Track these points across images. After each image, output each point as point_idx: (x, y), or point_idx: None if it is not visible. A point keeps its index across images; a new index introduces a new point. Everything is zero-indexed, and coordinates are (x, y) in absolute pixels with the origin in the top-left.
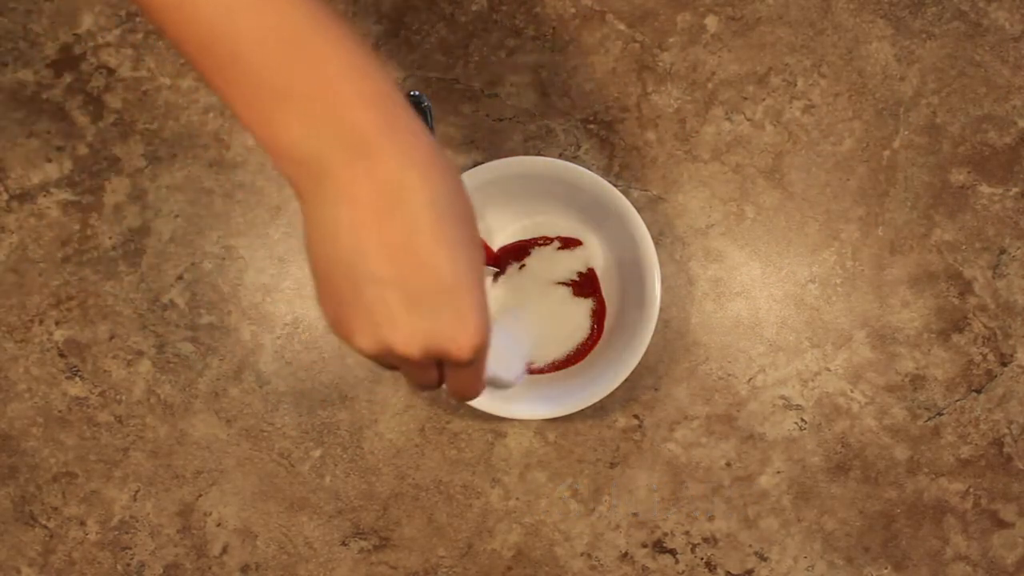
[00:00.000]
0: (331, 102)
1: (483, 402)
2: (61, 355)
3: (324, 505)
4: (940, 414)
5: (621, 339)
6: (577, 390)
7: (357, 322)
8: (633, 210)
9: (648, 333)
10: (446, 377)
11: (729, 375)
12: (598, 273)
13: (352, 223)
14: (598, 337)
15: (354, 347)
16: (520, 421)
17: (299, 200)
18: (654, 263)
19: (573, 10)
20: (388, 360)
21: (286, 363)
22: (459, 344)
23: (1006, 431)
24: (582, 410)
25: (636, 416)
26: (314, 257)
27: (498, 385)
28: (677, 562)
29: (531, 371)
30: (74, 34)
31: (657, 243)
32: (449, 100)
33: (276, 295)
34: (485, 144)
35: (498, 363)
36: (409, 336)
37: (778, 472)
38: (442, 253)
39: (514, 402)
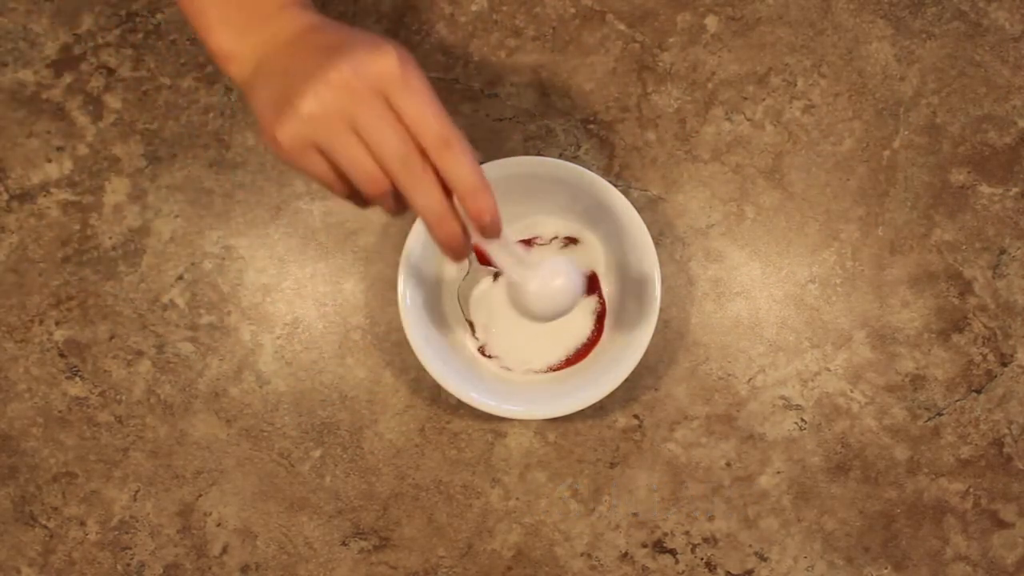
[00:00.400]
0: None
1: (483, 402)
2: (61, 355)
3: (324, 505)
4: (940, 414)
5: (621, 339)
6: (577, 390)
7: (277, 117)
8: (633, 210)
9: (648, 333)
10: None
11: (729, 375)
12: (599, 273)
13: (263, 63)
14: (598, 337)
15: (282, 145)
16: (520, 421)
17: (245, 94)
18: (654, 263)
19: (573, 10)
20: (318, 141)
21: (286, 363)
22: (387, 55)
23: (1006, 431)
24: (582, 410)
25: (636, 416)
26: (259, 119)
27: (549, 305)
28: (677, 562)
29: (532, 371)
30: (74, 34)
31: (657, 243)
32: (449, 100)
33: (276, 295)
34: (485, 144)
35: (553, 278)
36: (345, 71)
37: (778, 472)
38: (331, 38)
39: (514, 402)
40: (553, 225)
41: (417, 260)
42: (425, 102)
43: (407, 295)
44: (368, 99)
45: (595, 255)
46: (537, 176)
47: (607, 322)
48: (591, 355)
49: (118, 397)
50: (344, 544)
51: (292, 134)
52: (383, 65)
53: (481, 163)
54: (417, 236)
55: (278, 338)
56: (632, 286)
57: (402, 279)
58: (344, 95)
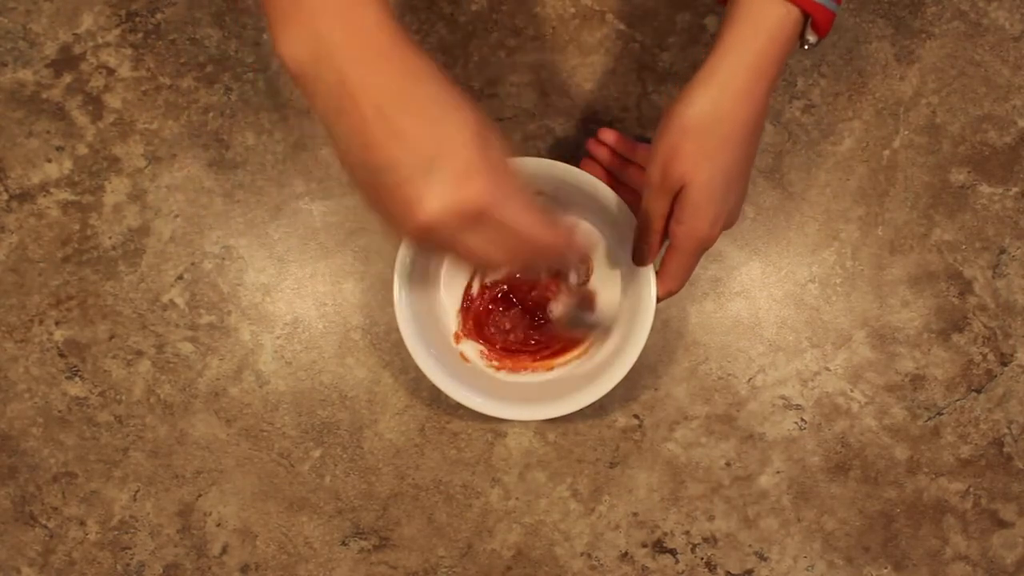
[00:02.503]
0: (311, 20)
1: (482, 404)
2: (61, 355)
3: (324, 505)
4: (940, 414)
5: (619, 339)
6: (575, 390)
7: (390, 212)
8: (628, 210)
9: (644, 333)
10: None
11: (729, 375)
12: (595, 269)
13: (350, 130)
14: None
15: (410, 237)
16: (520, 421)
17: (319, 117)
18: (649, 272)
19: (573, 10)
20: (436, 240)
21: (286, 363)
22: (470, 185)
23: (1006, 431)
24: (582, 410)
25: (636, 416)
26: (345, 168)
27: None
28: (677, 562)
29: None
30: (74, 34)
31: None
32: None
33: (276, 295)
34: None
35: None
36: (431, 203)
37: (778, 472)
38: (412, 125)
39: (511, 403)
40: None
41: (413, 261)
42: (519, 232)
43: (402, 297)
44: (462, 232)
45: (596, 247)
46: (535, 177)
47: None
48: (589, 354)
49: (118, 397)
50: (344, 544)
51: (409, 237)
52: (471, 203)
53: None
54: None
55: (278, 338)
56: (629, 286)
57: (397, 282)
58: (436, 234)
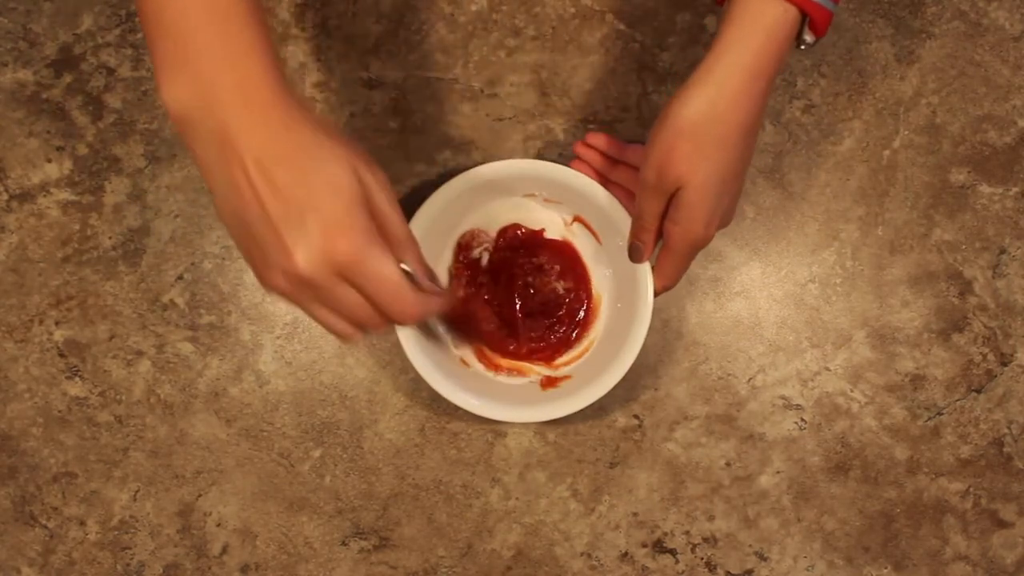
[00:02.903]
0: (197, 67)
1: (480, 406)
2: (61, 355)
3: (324, 505)
4: (940, 414)
5: (617, 339)
6: (572, 391)
7: (264, 263)
8: (620, 207)
9: (643, 332)
10: (367, 295)
11: (729, 375)
12: (591, 269)
13: (228, 179)
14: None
15: (274, 291)
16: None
17: (198, 166)
18: (646, 269)
19: (573, 10)
20: (308, 293)
21: (286, 363)
22: (338, 239)
23: (1006, 431)
24: (582, 410)
25: (636, 416)
26: (222, 217)
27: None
28: (677, 562)
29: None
30: (74, 34)
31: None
32: (449, 100)
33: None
34: (485, 144)
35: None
36: (302, 254)
37: (778, 472)
38: (286, 177)
39: (508, 405)
40: (550, 218)
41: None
42: (380, 290)
43: None
44: (330, 288)
45: (590, 248)
46: (530, 178)
47: (604, 322)
48: (588, 355)
49: (118, 397)
50: (344, 544)
51: (270, 288)
52: (338, 256)
53: (481, 163)
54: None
55: (278, 338)
56: (627, 285)
57: None
58: (303, 286)
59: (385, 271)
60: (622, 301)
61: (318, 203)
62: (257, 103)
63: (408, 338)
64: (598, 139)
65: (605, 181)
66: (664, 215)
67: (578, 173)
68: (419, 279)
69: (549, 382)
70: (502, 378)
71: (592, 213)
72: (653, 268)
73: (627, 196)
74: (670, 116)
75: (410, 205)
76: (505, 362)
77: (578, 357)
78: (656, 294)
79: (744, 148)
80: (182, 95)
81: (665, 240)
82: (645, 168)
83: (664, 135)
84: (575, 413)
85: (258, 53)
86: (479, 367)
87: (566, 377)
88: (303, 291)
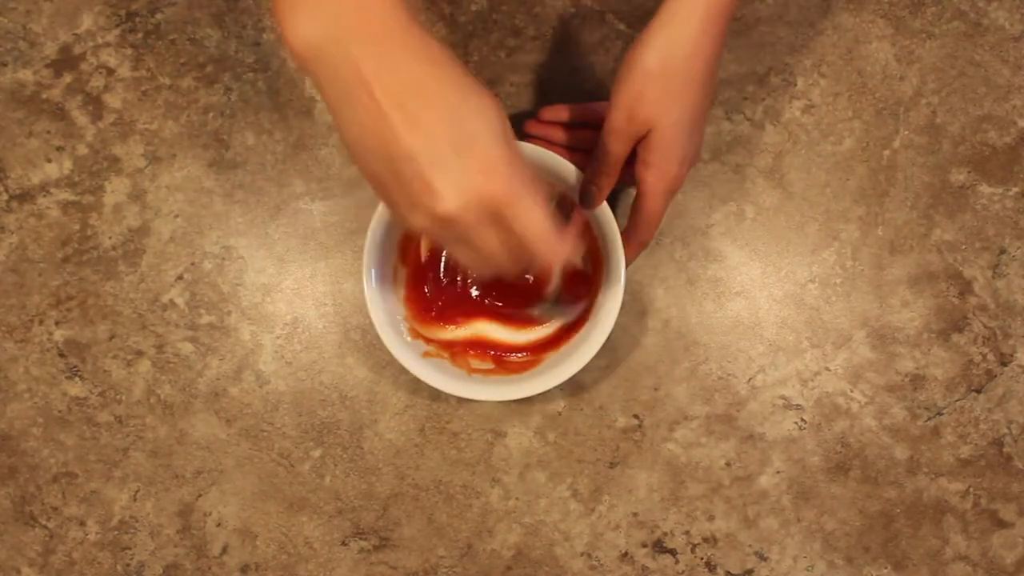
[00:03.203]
0: (322, 2)
1: (449, 384)
2: (61, 355)
3: (324, 505)
4: (940, 414)
5: (592, 313)
6: (548, 368)
7: (406, 203)
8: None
9: (616, 304)
10: (512, 238)
11: (729, 375)
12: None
13: (364, 119)
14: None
15: (417, 228)
16: (520, 420)
17: (327, 103)
18: (615, 235)
19: (573, 10)
20: (451, 233)
21: (286, 363)
22: (493, 179)
23: (1006, 431)
24: (582, 410)
25: (636, 416)
26: (355, 157)
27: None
28: (677, 562)
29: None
30: (74, 34)
31: (657, 243)
32: None
33: (276, 295)
34: None
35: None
36: (451, 194)
37: (778, 472)
38: (432, 114)
39: (488, 384)
40: None
41: (379, 243)
42: (531, 234)
43: (375, 290)
44: (477, 227)
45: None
46: None
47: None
48: (569, 338)
49: (118, 397)
50: (344, 544)
51: (412, 227)
52: (492, 197)
53: None
54: (378, 221)
55: (278, 338)
56: (603, 266)
57: (367, 267)
58: (458, 227)
59: (538, 214)
60: (592, 273)
61: (471, 140)
62: (388, 35)
63: (382, 322)
64: (557, 111)
65: (565, 151)
66: (625, 161)
67: (544, 149)
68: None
69: (525, 362)
70: (476, 363)
71: (560, 187)
72: (625, 231)
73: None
74: (636, 60)
75: None
76: (476, 363)
77: (551, 335)
78: (632, 257)
79: (709, 86)
80: (308, 31)
81: (640, 186)
82: (613, 112)
83: (632, 79)
84: (575, 413)
85: None
86: (453, 368)
87: (541, 356)
88: (448, 230)
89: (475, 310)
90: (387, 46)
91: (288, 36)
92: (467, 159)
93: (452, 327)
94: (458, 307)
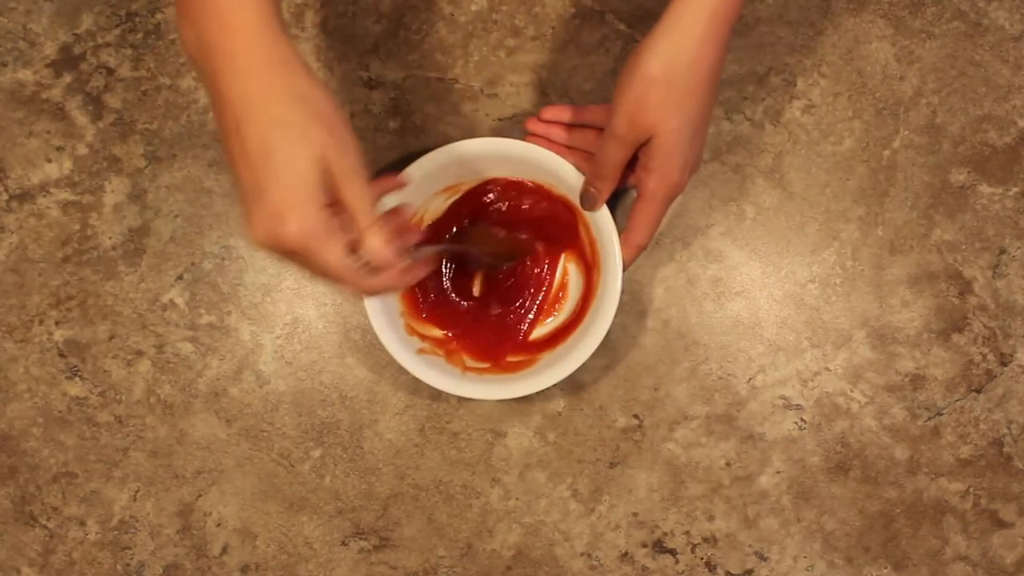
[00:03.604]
0: (199, 14)
1: (448, 383)
2: (61, 355)
3: (324, 505)
4: (940, 414)
5: (590, 312)
6: (545, 367)
7: (250, 219)
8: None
9: (614, 301)
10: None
11: (729, 375)
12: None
13: (221, 126)
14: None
15: (254, 244)
16: (520, 420)
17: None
18: (613, 236)
19: (573, 10)
20: (282, 252)
21: (286, 363)
22: (282, 226)
23: (1006, 431)
24: (582, 410)
25: (636, 416)
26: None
27: None
28: (677, 562)
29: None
30: (74, 34)
31: (657, 243)
32: (449, 100)
33: (276, 295)
34: None
35: None
36: (256, 230)
37: (778, 472)
38: (254, 149)
39: (485, 384)
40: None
41: None
42: (326, 274)
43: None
44: (287, 259)
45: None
46: (489, 157)
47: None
48: (565, 336)
49: (118, 397)
50: (344, 544)
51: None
52: (282, 241)
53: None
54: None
55: (278, 338)
56: (600, 263)
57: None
58: (271, 250)
59: (328, 259)
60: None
61: (274, 183)
62: (246, 55)
63: (381, 325)
64: (558, 111)
65: (565, 150)
66: (626, 165)
67: (542, 149)
68: (382, 260)
69: (521, 361)
70: (471, 362)
71: (559, 187)
72: (624, 232)
73: (589, 160)
74: (639, 65)
75: None
76: (471, 361)
77: (548, 335)
78: (630, 260)
79: (712, 93)
80: (187, 36)
81: (640, 190)
82: (615, 118)
83: (634, 85)
84: (575, 413)
85: (251, 1)
86: (448, 366)
87: (538, 355)
88: (270, 253)
89: (463, 313)
90: (240, 66)
91: (179, 38)
92: (264, 203)
93: (440, 330)
94: (443, 308)
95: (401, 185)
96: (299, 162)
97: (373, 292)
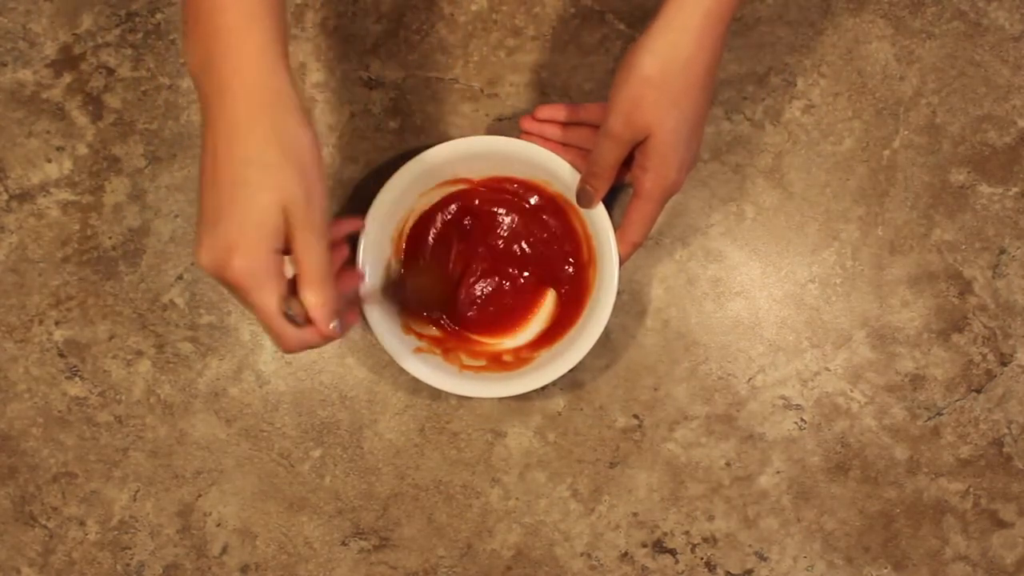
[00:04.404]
0: (203, 38)
1: (443, 381)
2: (61, 355)
3: (324, 505)
4: (940, 414)
5: (585, 311)
6: (542, 365)
7: (200, 242)
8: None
9: (610, 299)
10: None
11: (729, 375)
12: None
13: (203, 142)
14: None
15: (199, 266)
16: (520, 420)
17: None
18: (609, 233)
19: (573, 10)
20: (222, 282)
21: (286, 363)
22: (226, 264)
23: (1006, 431)
24: (582, 410)
25: (636, 416)
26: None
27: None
28: (677, 562)
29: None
30: (74, 34)
31: (657, 243)
32: (449, 100)
33: None
34: None
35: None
36: (204, 258)
37: (778, 472)
38: (222, 181)
39: (480, 381)
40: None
41: (375, 239)
42: (257, 318)
43: (367, 271)
44: (228, 288)
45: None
46: (483, 156)
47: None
48: (562, 334)
49: (118, 397)
50: (344, 544)
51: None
52: (225, 278)
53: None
54: (373, 218)
55: None
56: (596, 262)
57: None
58: (212, 277)
59: (260, 302)
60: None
61: (232, 216)
62: (242, 86)
63: (377, 321)
64: (553, 110)
65: (560, 148)
66: (621, 163)
67: (538, 147)
68: (313, 317)
69: (518, 359)
70: (468, 360)
71: (555, 185)
72: (619, 229)
73: (585, 157)
74: (635, 65)
75: None
76: (468, 360)
77: (546, 333)
78: (626, 256)
79: (709, 91)
80: (190, 54)
81: (637, 189)
82: (611, 117)
83: (630, 84)
84: (575, 413)
85: (256, 30)
86: (445, 364)
87: (534, 353)
88: (213, 278)
89: (456, 315)
90: (232, 94)
91: (184, 50)
92: (217, 232)
93: (435, 328)
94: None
95: (359, 227)
96: (261, 203)
97: (289, 348)
